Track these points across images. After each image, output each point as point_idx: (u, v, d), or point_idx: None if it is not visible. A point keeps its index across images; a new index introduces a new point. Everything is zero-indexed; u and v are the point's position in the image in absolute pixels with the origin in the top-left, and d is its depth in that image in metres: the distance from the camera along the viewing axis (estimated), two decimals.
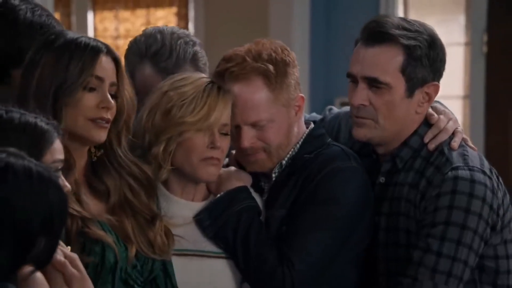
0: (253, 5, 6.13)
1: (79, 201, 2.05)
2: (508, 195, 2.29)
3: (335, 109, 2.60)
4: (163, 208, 2.25)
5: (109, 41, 6.95)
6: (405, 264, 2.20)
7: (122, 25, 6.88)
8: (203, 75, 2.34)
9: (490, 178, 2.23)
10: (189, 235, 2.25)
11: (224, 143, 2.25)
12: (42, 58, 2.05)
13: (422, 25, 2.28)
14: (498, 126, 5.44)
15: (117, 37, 6.86)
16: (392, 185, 2.29)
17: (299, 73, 2.34)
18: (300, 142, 2.34)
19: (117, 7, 6.95)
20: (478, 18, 5.47)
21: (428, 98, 2.29)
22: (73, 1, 7.06)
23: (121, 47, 6.24)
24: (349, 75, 2.30)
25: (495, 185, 2.24)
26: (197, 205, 2.29)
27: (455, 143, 2.27)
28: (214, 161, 2.24)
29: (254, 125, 2.28)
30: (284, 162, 2.33)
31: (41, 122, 1.74)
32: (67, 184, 1.77)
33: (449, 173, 2.20)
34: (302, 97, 2.34)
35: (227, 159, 2.40)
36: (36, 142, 1.71)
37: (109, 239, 2.04)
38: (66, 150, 1.86)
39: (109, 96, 2.07)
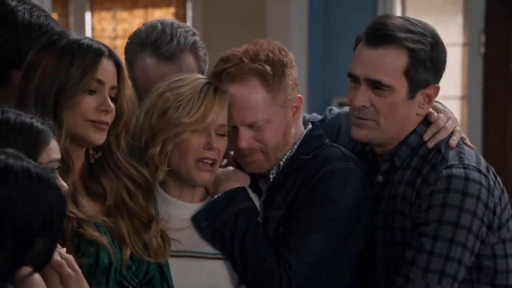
0: (251, 5, 6.12)
1: (75, 202, 2.05)
2: (506, 194, 2.28)
3: (336, 110, 2.59)
4: (161, 210, 2.24)
5: (107, 42, 6.95)
6: (403, 263, 2.20)
7: (120, 26, 6.88)
8: (200, 75, 2.34)
9: (486, 176, 2.22)
10: (186, 236, 2.24)
11: (221, 144, 2.25)
12: (44, 59, 2.05)
13: (425, 26, 2.27)
14: (495, 126, 5.44)
15: (115, 38, 6.85)
16: (390, 183, 2.29)
17: (297, 74, 2.34)
18: (297, 143, 2.34)
19: (115, 8, 6.96)
20: (476, 19, 5.48)
21: (429, 99, 2.28)
22: (71, 1, 7.06)
23: (119, 47, 6.24)
24: (351, 76, 2.29)
25: (491, 183, 2.22)
26: (195, 206, 2.29)
27: (453, 141, 2.26)
28: (208, 167, 2.24)
29: (251, 125, 2.28)
30: (281, 163, 2.33)
31: (37, 122, 1.74)
32: (64, 184, 1.77)
33: (444, 171, 2.19)
34: (300, 98, 2.33)
35: (225, 160, 2.40)
36: (32, 142, 1.71)
37: (104, 240, 2.04)
38: (65, 151, 1.85)
39: (109, 100, 2.06)
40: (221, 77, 2.27)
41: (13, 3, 2.27)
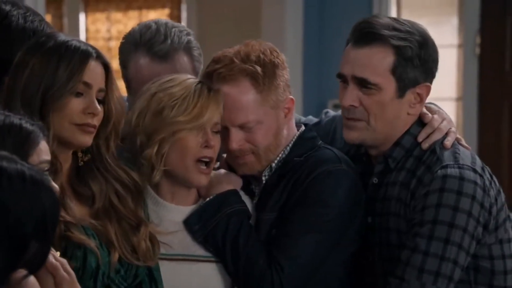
0: (246, 7, 6.12)
1: (63, 205, 2.03)
2: (503, 194, 2.27)
3: (332, 113, 2.59)
4: (152, 213, 2.24)
5: (101, 43, 6.95)
6: (399, 264, 2.19)
7: (114, 27, 6.87)
8: (190, 76, 2.33)
9: (481, 176, 2.21)
10: (179, 239, 2.24)
11: (216, 141, 2.25)
12: (31, 60, 2.04)
13: (413, 25, 2.27)
14: (491, 128, 5.45)
15: (109, 39, 6.84)
16: (384, 185, 2.28)
17: (289, 75, 2.33)
18: (290, 145, 2.33)
19: (109, 9, 6.96)
20: (471, 20, 5.48)
21: (420, 99, 2.27)
22: (65, 2, 7.06)
23: (113, 48, 6.24)
24: (340, 76, 2.29)
25: (487, 183, 2.22)
26: (187, 209, 2.28)
27: (448, 142, 2.25)
28: (205, 169, 2.23)
29: (242, 126, 2.27)
30: (274, 165, 2.32)
31: (26, 123, 1.73)
32: (55, 185, 1.75)
33: (439, 171, 2.18)
34: (292, 99, 2.32)
35: (218, 163, 2.39)
36: (22, 144, 1.70)
37: (92, 243, 2.03)
38: (53, 154, 1.85)
39: (96, 102, 2.05)
40: (212, 78, 2.27)
41: (7, 8, 2.26)
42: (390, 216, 2.25)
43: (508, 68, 5.45)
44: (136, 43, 2.47)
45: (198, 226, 2.24)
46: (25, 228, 1.48)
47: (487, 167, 2.28)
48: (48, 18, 6.72)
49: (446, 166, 2.19)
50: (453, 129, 2.31)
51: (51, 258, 1.66)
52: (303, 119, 2.52)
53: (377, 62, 2.23)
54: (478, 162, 2.25)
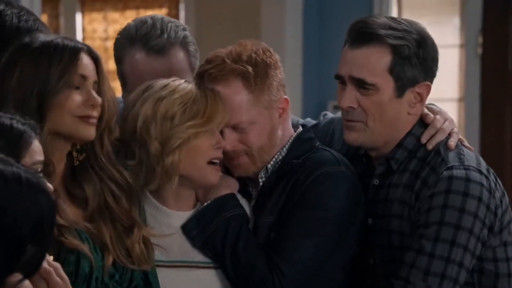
0: (244, 7, 6.14)
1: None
2: (506, 196, 2.27)
3: (330, 115, 2.59)
4: (151, 218, 2.23)
5: (98, 43, 6.97)
6: (401, 266, 2.18)
7: (111, 27, 6.89)
8: (182, 80, 2.29)
9: (487, 177, 2.20)
10: (177, 245, 2.23)
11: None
12: (19, 61, 2.03)
13: (411, 24, 2.26)
14: (493, 128, 5.45)
15: (106, 39, 6.87)
16: (386, 186, 2.27)
17: (283, 75, 2.33)
18: (287, 146, 2.33)
19: (106, 9, 6.99)
20: (473, 20, 5.48)
21: (420, 98, 2.27)
22: (61, 2, 7.08)
23: (110, 48, 6.24)
24: (337, 77, 2.29)
25: (493, 185, 2.21)
26: (186, 214, 2.27)
27: (452, 142, 2.24)
28: (217, 166, 2.23)
29: (235, 127, 2.26)
30: (269, 166, 2.31)
31: (17, 124, 1.72)
32: (51, 186, 1.73)
33: (444, 172, 2.17)
34: (286, 99, 2.31)
35: None
36: (14, 145, 1.69)
37: (85, 248, 2.02)
38: (45, 155, 1.83)
39: (94, 93, 2.06)
40: (203, 78, 2.27)
41: (1, 7, 2.25)
42: (392, 218, 2.24)
43: (511, 68, 5.45)
44: (131, 38, 2.45)
45: (197, 231, 2.23)
46: (22, 231, 1.48)
47: (491, 168, 2.27)
48: (44, 18, 6.72)
49: (451, 168, 2.18)
50: (455, 129, 2.30)
51: (44, 263, 1.65)
52: (301, 121, 2.50)
53: (374, 62, 2.23)
54: (483, 163, 2.25)
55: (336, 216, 2.23)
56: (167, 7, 6.72)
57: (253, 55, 2.26)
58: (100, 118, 2.08)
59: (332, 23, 5.68)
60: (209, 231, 2.22)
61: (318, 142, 2.36)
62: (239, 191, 2.32)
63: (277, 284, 2.18)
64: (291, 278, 2.19)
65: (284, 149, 2.32)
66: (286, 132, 2.34)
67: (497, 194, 2.22)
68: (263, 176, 2.31)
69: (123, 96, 2.49)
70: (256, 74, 2.25)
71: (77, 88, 2.04)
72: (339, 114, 2.50)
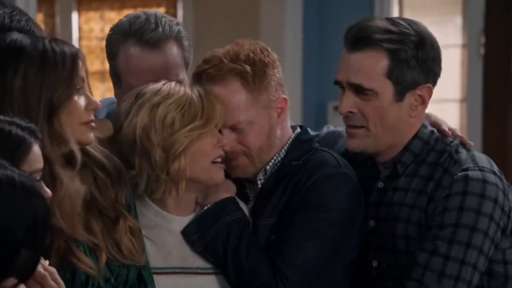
0: (243, 6, 6.15)
1: None
2: None
3: (333, 128, 2.58)
4: (151, 223, 2.21)
5: (94, 42, 6.95)
6: (407, 270, 2.18)
7: (108, 26, 6.80)
8: (173, 83, 2.26)
9: (500, 179, 2.21)
10: (178, 250, 2.22)
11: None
12: (16, 68, 1.96)
13: (411, 24, 2.24)
14: (495, 129, 5.45)
15: (102, 38, 6.85)
16: (391, 190, 2.27)
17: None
18: (285, 147, 2.32)
19: (103, 8, 6.99)
20: (475, 19, 5.48)
21: (422, 101, 2.26)
22: (57, 1, 7.08)
23: None
24: (336, 82, 2.28)
25: (506, 187, 2.22)
26: (186, 219, 2.25)
27: (467, 142, 2.27)
28: (221, 164, 2.22)
29: (233, 128, 2.25)
30: (268, 167, 2.30)
31: (17, 129, 1.68)
32: (48, 191, 1.73)
33: (459, 174, 2.18)
34: (285, 99, 2.30)
35: None
36: (12, 154, 1.65)
37: (92, 271, 2.00)
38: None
39: (92, 96, 2.04)
40: (201, 78, 2.25)
41: None
42: (397, 221, 2.24)
43: None
44: (125, 33, 2.42)
45: (197, 236, 2.22)
46: (15, 235, 1.48)
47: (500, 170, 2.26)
48: (40, 17, 6.69)
49: (466, 169, 2.18)
50: (459, 133, 2.32)
51: (39, 267, 1.65)
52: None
53: (370, 67, 2.23)
54: (494, 165, 2.25)
55: (338, 218, 2.22)
56: (165, 6, 6.71)
57: (251, 54, 2.25)
58: None
59: (332, 23, 5.69)
60: (210, 236, 2.21)
61: (317, 143, 2.36)
62: (236, 193, 2.30)
63: (281, 287, 2.17)
64: (294, 281, 2.18)
65: (283, 150, 2.31)
66: (285, 133, 2.32)
67: (510, 196, 2.22)
68: (262, 177, 2.30)
69: (116, 94, 2.46)
70: (254, 73, 2.24)
71: (79, 90, 2.02)
72: (342, 128, 2.49)
